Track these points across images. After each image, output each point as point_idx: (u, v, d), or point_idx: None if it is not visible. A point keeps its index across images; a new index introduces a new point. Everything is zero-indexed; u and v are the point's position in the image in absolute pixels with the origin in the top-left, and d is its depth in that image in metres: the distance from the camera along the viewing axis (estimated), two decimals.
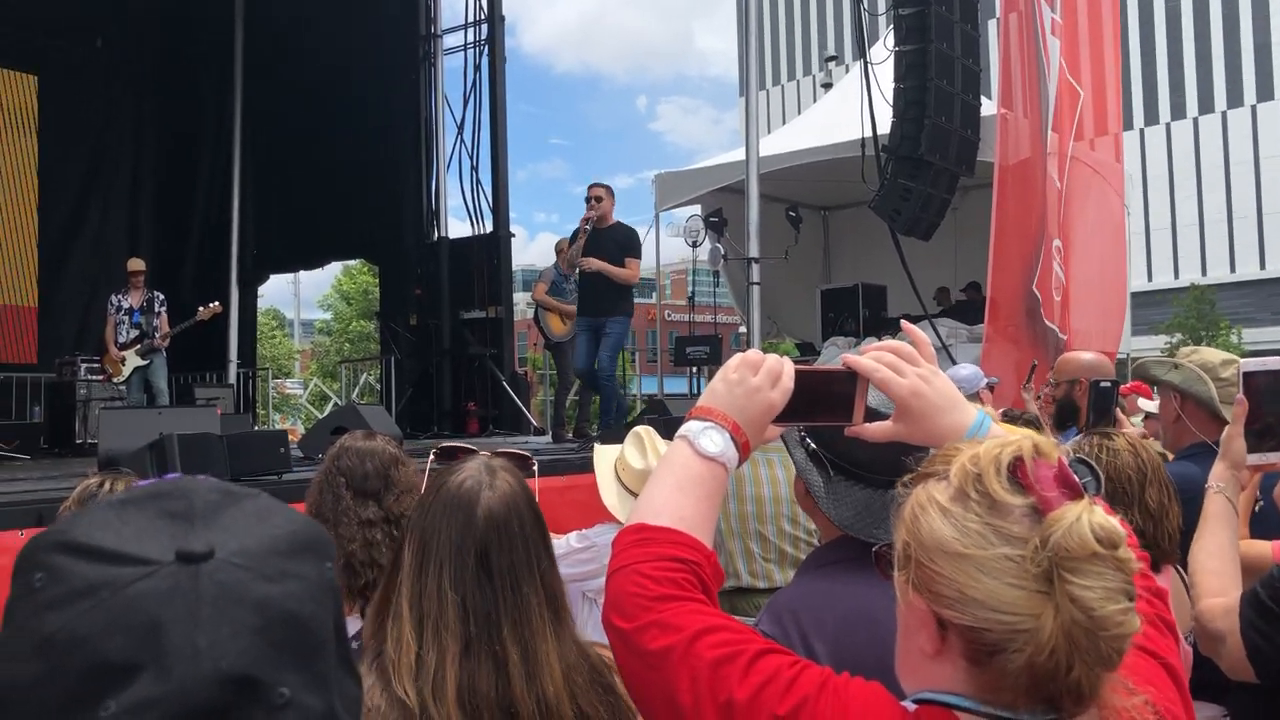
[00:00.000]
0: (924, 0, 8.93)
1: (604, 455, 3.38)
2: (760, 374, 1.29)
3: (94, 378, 10.21)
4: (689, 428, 1.28)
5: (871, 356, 1.34)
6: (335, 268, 34.17)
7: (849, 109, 10.55)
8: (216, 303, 9.75)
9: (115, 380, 9.62)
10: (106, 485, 2.35)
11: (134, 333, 9.51)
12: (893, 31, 9.75)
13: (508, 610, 1.57)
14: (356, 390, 17.06)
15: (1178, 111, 48.43)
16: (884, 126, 9.39)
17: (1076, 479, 1.00)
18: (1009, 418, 4.90)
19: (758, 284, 8.66)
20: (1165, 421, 3.14)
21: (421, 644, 1.53)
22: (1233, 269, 45.59)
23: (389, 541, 2.29)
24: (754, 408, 1.28)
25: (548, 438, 9.76)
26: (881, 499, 1.55)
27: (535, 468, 2.02)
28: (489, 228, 12.31)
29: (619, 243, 8.10)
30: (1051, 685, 0.96)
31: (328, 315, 41.29)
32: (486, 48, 12.63)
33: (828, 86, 22.53)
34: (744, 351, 1.34)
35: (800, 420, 1.38)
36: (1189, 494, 2.42)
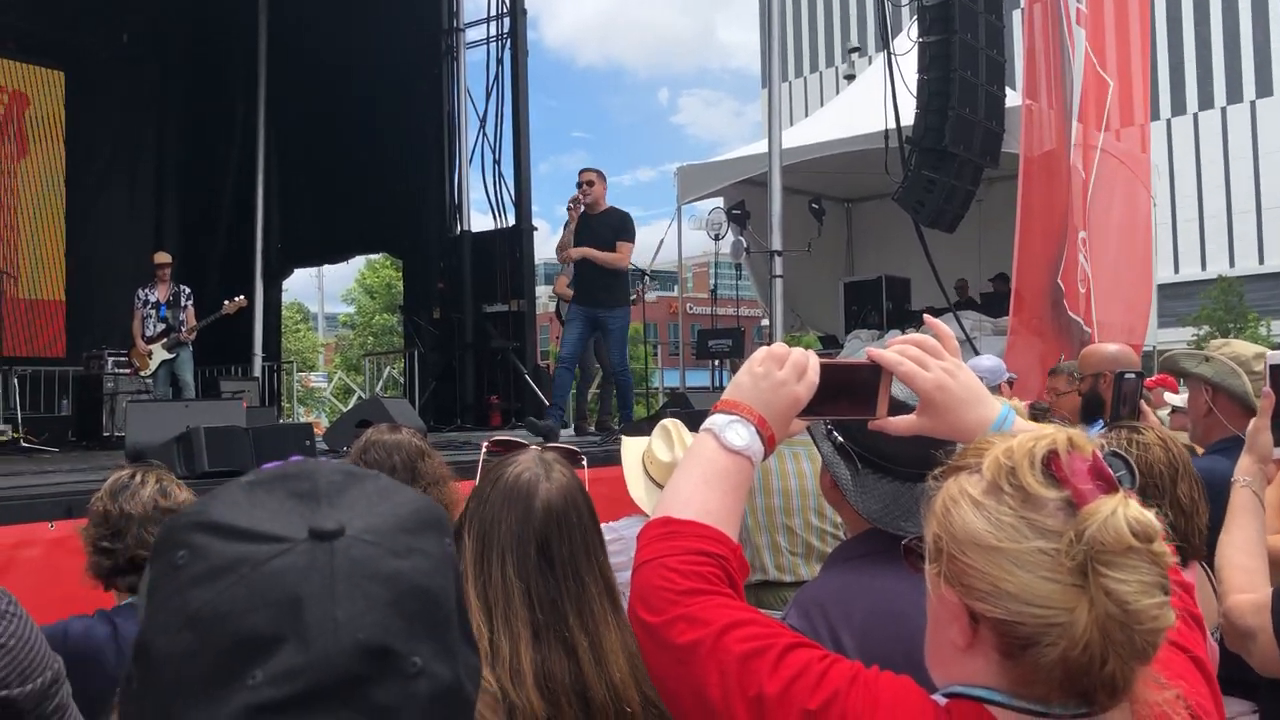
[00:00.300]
0: None
1: (631, 448, 3.38)
2: (786, 367, 1.29)
3: (121, 371, 10.30)
4: (714, 421, 1.28)
5: (896, 350, 1.33)
6: (358, 262, 34.35)
7: (872, 101, 10.50)
8: (241, 296, 9.81)
9: (142, 374, 9.70)
10: (138, 477, 2.37)
11: (160, 327, 9.58)
12: (916, 23, 9.69)
13: (571, 599, 1.60)
14: (380, 383, 17.14)
15: (1205, 101, 47.97)
16: (907, 118, 9.35)
17: (1111, 472, 1.00)
18: (1037, 410, 4.87)
19: (781, 277, 8.63)
20: (1195, 415, 3.11)
21: (493, 631, 1.56)
22: (1261, 260, 45.14)
23: None
24: (779, 401, 1.28)
25: (570, 430, 9.77)
26: (910, 492, 1.55)
27: (585, 462, 2.04)
28: (511, 221, 12.32)
29: (612, 227, 7.92)
30: (1086, 679, 0.96)
31: (351, 309, 41.46)
32: (508, 41, 12.64)
33: (850, 78, 22.44)
34: (768, 345, 1.34)
35: (824, 414, 1.38)
36: (1216, 488, 2.40)
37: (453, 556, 0.72)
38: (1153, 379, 5.45)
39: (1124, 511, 0.96)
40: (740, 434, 1.25)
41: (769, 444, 1.28)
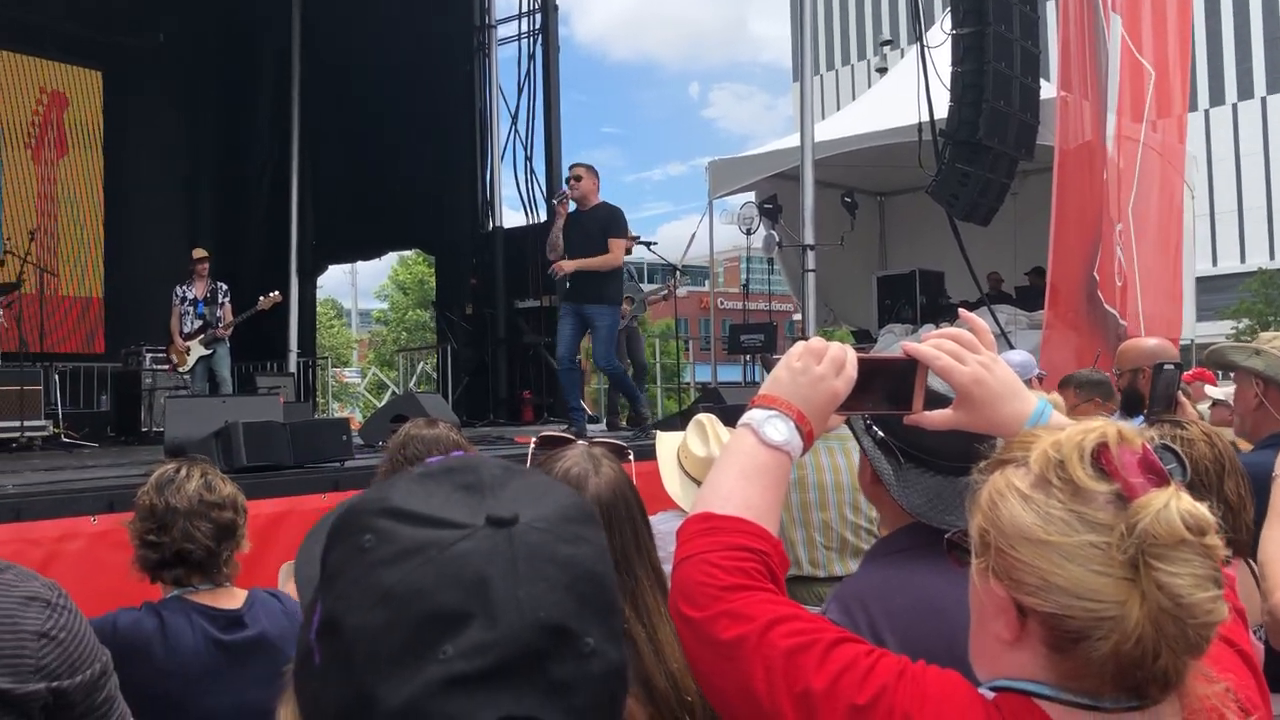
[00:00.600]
0: None
1: (666, 443, 3.38)
2: (824, 362, 1.29)
3: (159, 367, 10.42)
4: (752, 416, 1.28)
5: (932, 344, 1.33)
6: (392, 258, 34.55)
7: (905, 93, 10.44)
8: (276, 292, 9.89)
9: (180, 370, 9.79)
10: (183, 471, 2.39)
11: (198, 323, 9.68)
12: (949, 14, 9.63)
13: (625, 592, 1.60)
14: (414, 379, 17.25)
15: (1245, 91, 47.28)
16: (941, 111, 9.29)
17: (1162, 465, 0.99)
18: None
19: (813, 271, 8.60)
20: (1244, 409, 3.06)
21: None
22: None
23: None
24: (818, 396, 1.28)
25: (602, 425, 9.79)
26: (952, 485, 1.54)
27: (631, 456, 2.06)
28: (543, 217, 12.36)
29: (601, 224, 7.66)
30: (1138, 673, 0.95)
31: (384, 305, 41.71)
32: (540, 37, 12.67)
33: (883, 71, 22.30)
34: (805, 339, 1.34)
35: (861, 409, 1.37)
36: (1259, 484, 2.37)
37: (608, 548, 0.76)
38: (1190, 372, 5.39)
39: (1176, 504, 0.96)
40: (779, 429, 1.25)
41: (808, 439, 1.28)
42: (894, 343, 11.13)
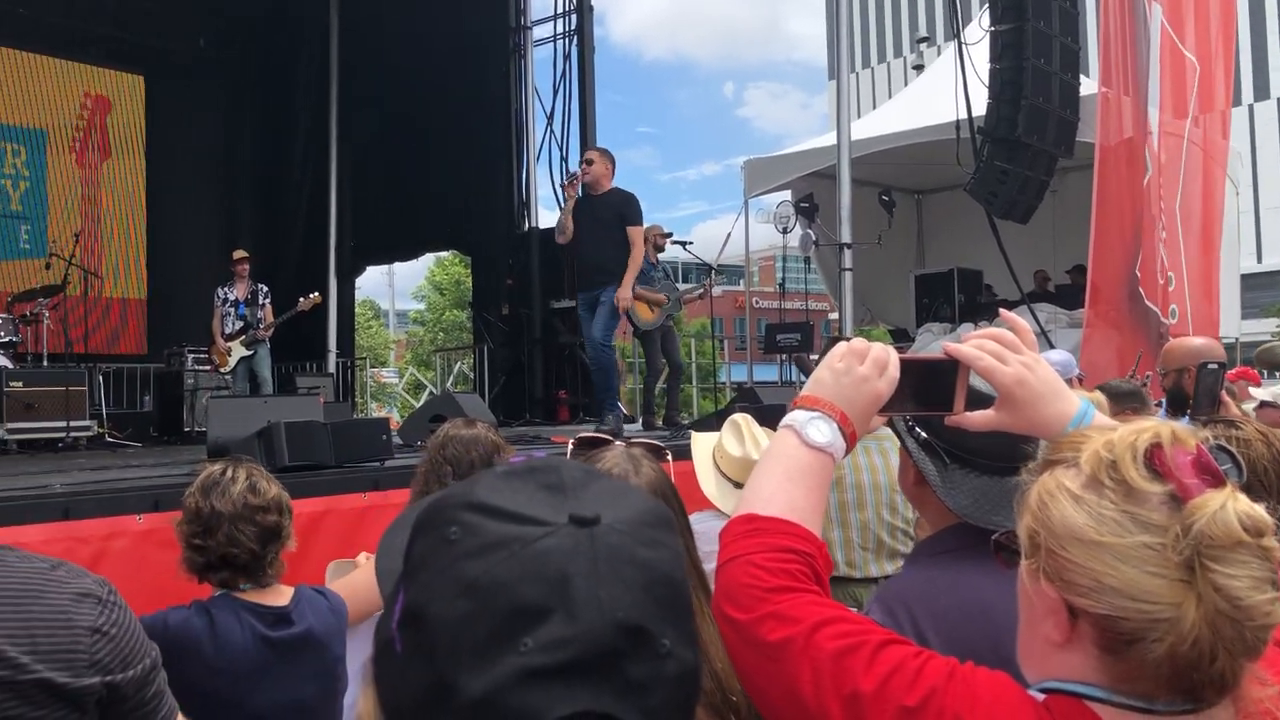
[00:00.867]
0: None
1: (701, 443, 3.37)
2: (867, 363, 1.29)
3: (201, 368, 10.55)
4: (795, 417, 1.28)
5: (974, 344, 1.32)
6: (429, 259, 34.74)
7: (942, 91, 10.37)
8: (316, 293, 9.98)
9: (221, 370, 9.90)
10: (228, 473, 2.42)
11: (239, 324, 9.78)
12: (987, 11, 9.55)
13: None
14: (451, 379, 17.33)
15: None
16: (979, 108, 9.21)
17: (1217, 466, 0.98)
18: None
19: (850, 270, 8.56)
20: None
21: None
22: None
23: None
24: (861, 397, 1.28)
25: (638, 425, 9.80)
26: (998, 485, 1.54)
27: (669, 456, 2.06)
28: None
29: (616, 210, 7.44)
30: (1194, 675, 0.94)
31: (421, 306, 41.96)
32: (575, 38, 12.70)
33: (919, 68, 22.16)
34: (835, 338, 1.34)
35: (902, 410, 1.37)
36: None
37: (684, 553, 0.78)
38: (1234, 371, 5.30)
39: (1233, 506, 0.94)
40: (822, 430, 1.25)
41: (850, 440, 1.28)
42: (932, 341, 11.07)
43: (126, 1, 13.40)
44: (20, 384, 8.23)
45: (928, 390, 1.34)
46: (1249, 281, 20.69)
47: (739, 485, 3.16)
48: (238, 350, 9.73)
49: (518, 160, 13.21)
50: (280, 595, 2.45)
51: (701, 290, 10.47)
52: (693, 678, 0.73)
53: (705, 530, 3.26)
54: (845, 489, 3.52)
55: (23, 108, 13.01)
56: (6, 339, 9.25)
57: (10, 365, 8.83)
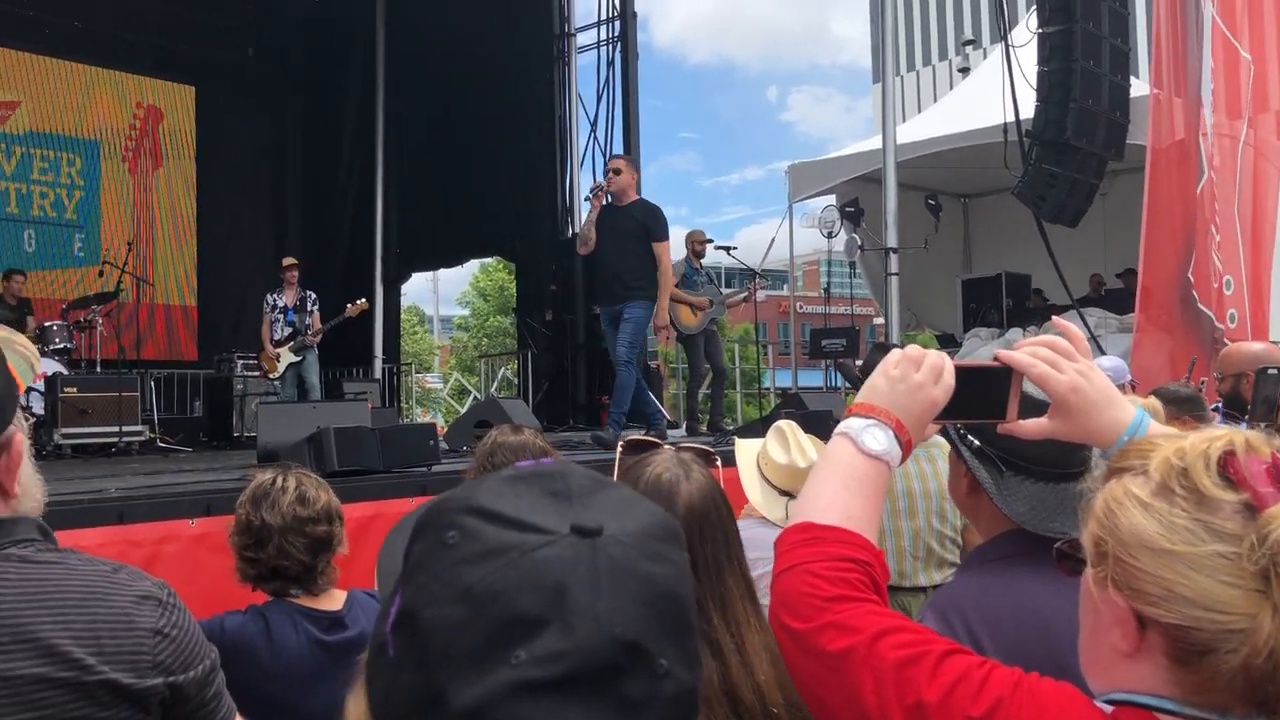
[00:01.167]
0: None
1: (745, 450, 3.35)
2: (923, 369, 1.28)
3: (251, 374, 10.68)
4: (850, 425, 1.27)
5: (1028, 352, 1.31)
6: (473, 265, 34.96)
7: (989, 94, 10.28)
8: (364, 299, 10.07)
9: (270, 376, 10.03)
10: (278, 482, 2.44)
11: (288, 330, 9.89)
12: (1035, 13, 9.45)
13: (715, 599, 1.58)
14: (495, 384, 17.43)
15: None
16: (1026, 111, 9.12)
17: None
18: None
19: (896, 275, 8.51)
20: None
21: None
22: None
23: None
24: (917, 405, 1.27)
25: (681, 431, 9.79)
26: (1054, 492, 1.53)
27: (719, 462, 2.05)
28: None
29: (640, 222, 7.27)
30: (1270, 688, 0.92)
31: (466, 311, 42.23)
32: (619, 45, 12.74)
33: (965, 71, 21.97)
34: (885, 343, 1.33)
35: (956, 417, 1.36)
36: None
37: (690, 570, 0.75)
38: None
39: None
40: (878, 438, 1.24)
41: (906, 448, 1.26)
42: (980, 347, 10.96)
43: (177, 14, 13.65)
44: (75, 390, 8.38)
45: (981, 398, 1.33)
46: None
47: (784, 492, 3.14)
48: (286, 356, 9.84)
49: (561, 167, 13.27)
50: (334, 600, 2.47)
51: (745, 294, 10.45)
52: (690, 699, 0.70)
53: (751, 537, 3.24)
54: (896, 497, 3.49)
55: (78, 119, 13.28)
56: (61, 345, 9.42)
57: (65, 371, 8.99)
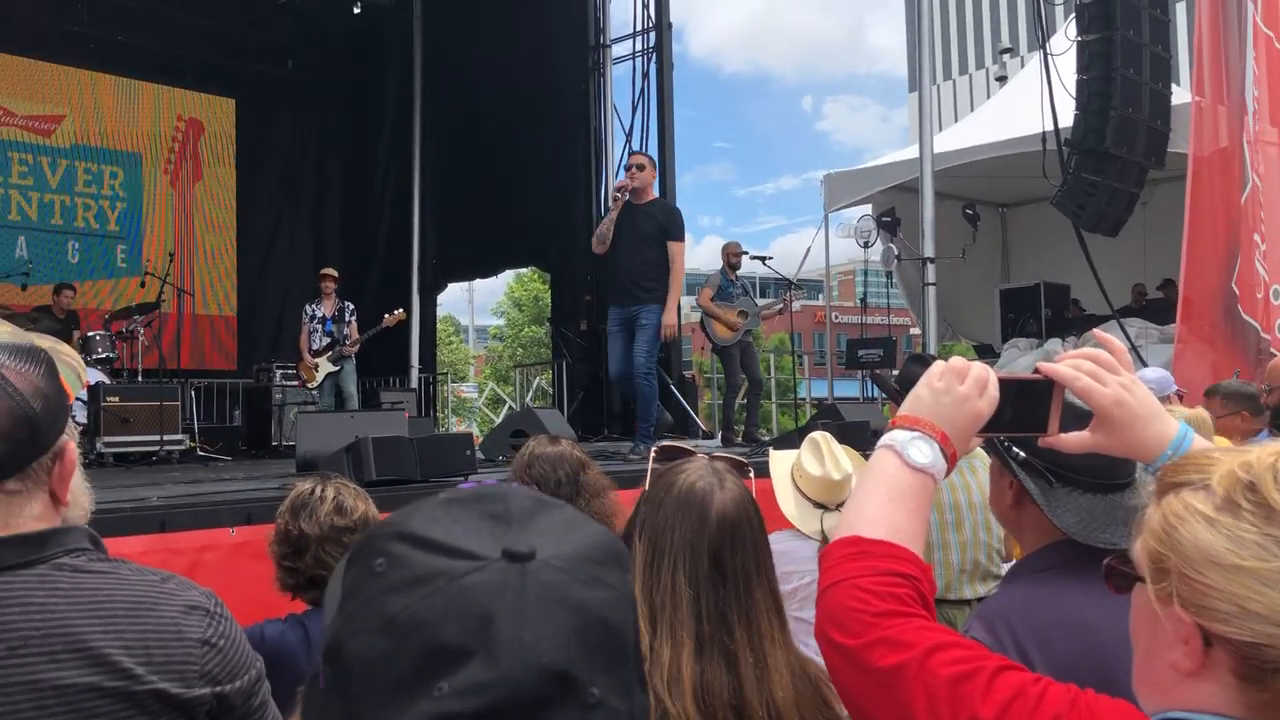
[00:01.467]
0: None
1: (779, 461, 3.32)
2: (968, 382, 1.27)
3: (289, 384, 10.78)
4: (895, 437, 1.26)
5: (1070, 364, 1.30)
6: (508, 275, 35.11)
7: (1027, 102, 10.21)
8: (401, 310, 10.14)
9: (309, 386, 10.11)
10: (316, 492, 2.46)
11: (326, 340, 9.98)
12: (1074, 21, 9.38)
13: (740, 612, 1.57)
14: (530, 394, 17.48)
15: None
16: (1065, 119, 9.04)
17: None
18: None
19: (933, 284, 8.45)
20: None
21: (655, 637, 1.54)
22: None
23: None
24: (962, 417, 1.26)
25: (716, 441, 9.76)
26: (1102, 503, 1.53)
27: (752, 473, 2.03)
28: None
29: (659, 222, 7.14)
30: None
31: (501, 321, 42.42)
32: (654, 56, 12.75)
33: (1002, 80, 21.82)
34: (921, 354, 1.32)
35: (997, 430, 1.35)
36: None
37: (632, 594, 0.72)
38: None
39: None
40: (923, 451, 1.23)
41: (951, 461, 1.25)
42: (1019, 357, 10.87)
43: (218, 28, 13.84)
44: (116, 399, 8.49)
45: (1022, 410, 1.32)
46: None
47: (819, 505, 3.11)
48: (325, 366, 9.92)
49: (596, 177, 13.29)
50: None
51: (781, 306, 10.42)
52: None
53: (786, 550, 3.23)
54: (944, 509, 3.46)
55: (121, 132, 13.49)
56: (104, 355, 9.56)
57: (107, 380, 9.11)
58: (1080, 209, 8.96)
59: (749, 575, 1.60)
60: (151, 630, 1.32)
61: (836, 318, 21.87)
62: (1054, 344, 10.82)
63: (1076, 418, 1.32)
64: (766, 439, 9.27)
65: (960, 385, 1.26)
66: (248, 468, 8.08)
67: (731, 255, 9.54)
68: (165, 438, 8.45)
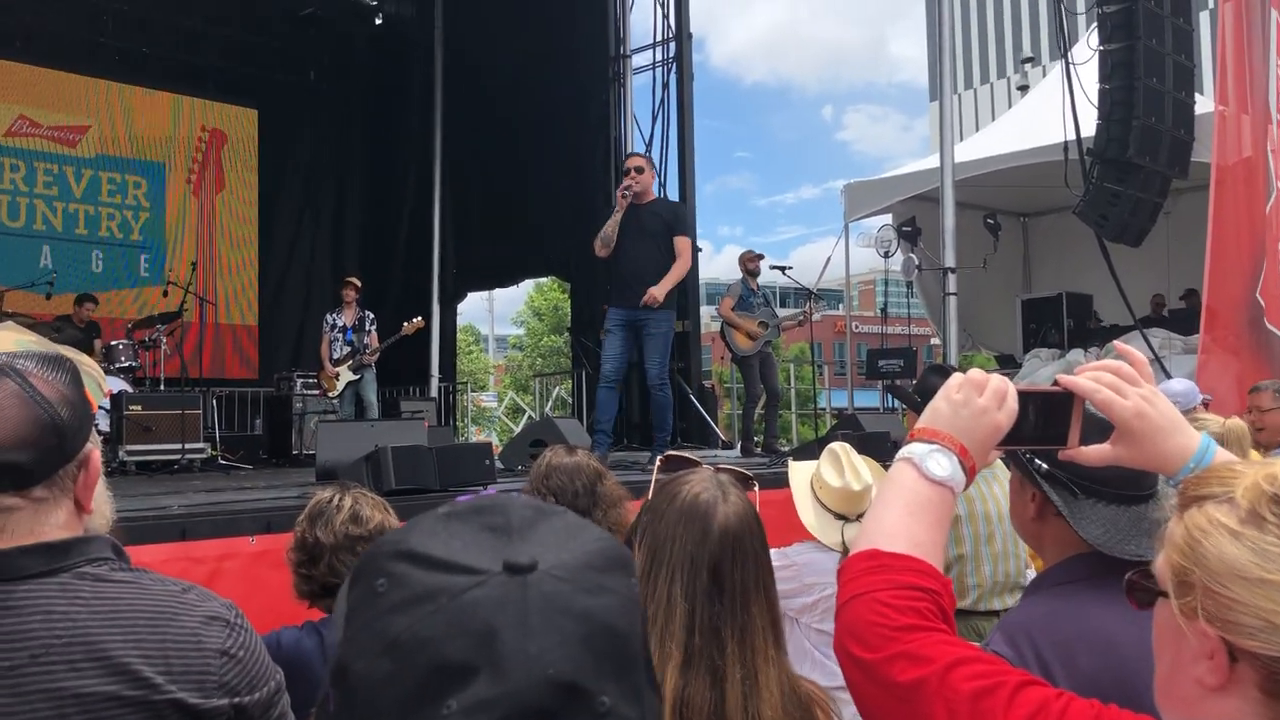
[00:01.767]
0: None
1: (799, 472, 3.31)
2: (986, 394, 1.26)
3: (310, 393, 10.82)
4: (913, 450, 1.25)
5: (1090, 376, 1.29)
6: (528, 284, 35.22)
7: (1048, 112, 10.15)
8: (419, 318, 10.17)
9: (330, 395, 10.15)
10: (334, 501, 2.48)
11: (346, 349, 10.02)
12: (1096, 30, 9.33)
13: (735, 627, 1.55)
14: (550, 403, 17.50)
15: None
16: (1088, 129, 9.00)
17: None
18: None
19: (954, 294, 8.42)
20: None
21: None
22: None
23: None
24: (980, 429, 1.25)
25: (735, 451, 9.74)
26: (1127, 515, 1.52)
27: (756, 486, 2.01)
28: None
29: (665, 220, 7.08)
30: None
31: (521, 331, 42.51)
32: (674, 66, 12.77)
33: (1024, 89, 21.75)
34: (940, 365, 1.32)
35: (1017, 443, 1.34)
36: None
37: (638, 598, 0.72)
38: None
39: None
40: (942, 463, 1.22)
41: (970, 474, 1.24)
42: (1040, 368, 10.80)
43: (241, 38, 13.98)
44: (139, 407, 8.54)
45: (1042, 423, 1.32)
46: None
47: (839, 516, 3.10)
48: (345, 375, 9.96)
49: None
50: None
51: (802, 316, 10.41)
52: None
53: (807, 562, 3.22)
54: (978, 521, 3.44)
55: (144, 142, 13.61)
56: (127, 364, 9.63)
57: (130, 389, 9.17)
58: (1103, 219, 8.90)
59: (747, 590, 1.58)
60: (171, 640, 1.32)
61: (857, 328, 21.81)
62: (1076, 354, 10.75)
63: (1100, 430, 1.31)
64: (786, 449, 9.23)
65: (979, 397, 1.26)
66: (268, 476, 8.11)
67: (748, 261, 9.52)
68: (187, 446, 8.50)
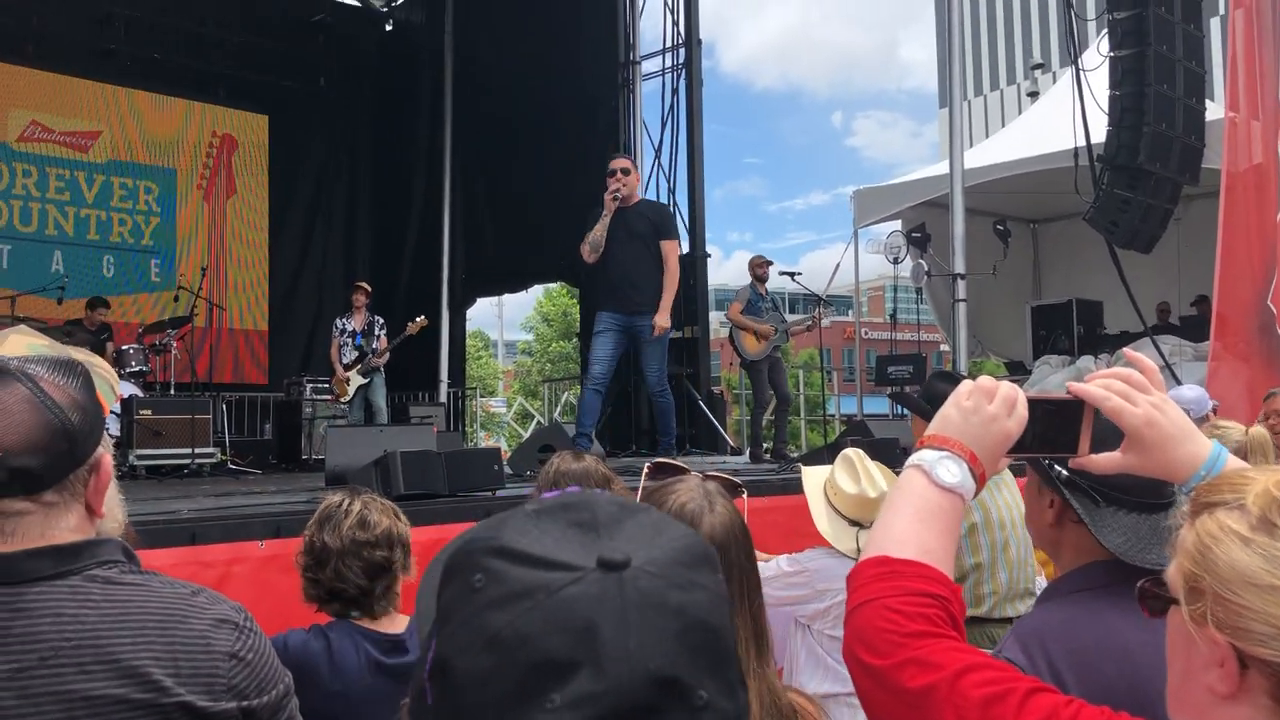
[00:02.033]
0: (1141, 2, 8.50)
1: (812, 478, 3.31)
2: (996, 401, 1.26)
3: (320, 397, 10.84)
4: (923, 457, 1.25)
5: (1100, 384, 1.29)
6: (537, 290, 35.26)
7: (1058, 118, 10.15)
8: (422, 316, 10.18)
9: (341, 400, 10.17)
10: (343, 506, 2.48)
11: (355, 354, 10.04)
12: (1106, 36, 9.32)
13: None
14: (559, 408, 17.52)
15: None
16: (1098, 135, 8.99)
17: None
18: None
19: (964, 301, 8.40)
20: None
21: None
22: None
23: None
24: (990, 437, 1.25)
25: (744, 457, 9.72)
26: (1148, 523, 1.51)
27: (744, 493, 2.00)
28: (685, 249, 12.38)
29: (652, 221, 7.07)
30: None
31: (529, 336, 42.56)
32: (683, 72, 12.78)
33: (1034, 95, 21.72)
34: (948, 371, 1.32)
35: (1026, 450, 1.34)
36: None
37: (726, 593, 0.73)
38: None
39: None
40: (952, 470, 1.22)
41: (980, 481, 1.25)
42: (1050, 374, 10.77)
43: (252, 44, 14.04)
44: (149, 412, 8.57)
45: (1052, 430, 1.32)
46: None
47: (853, 522, 3.10)
48: (355, 379, 9.99)
49: None
50: (396, 623, 2.50)
51: (811, 322, 10.40)
52: None
53: (819, 568, 3.22)
54: (994, 528, 3.42)
55: (156, 147, 13.67)
56: (138, 368, 9.66)
57: (140, 394, 9.20)
58: (1114, 225, 8.89)
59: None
60: (180, 643, 1.33)
61: (866, 334, 21.78)
62: (1086, 361, 10.73)
63: (1114, 436, 1.31)
64: (795, 455, 9.23)
65: (989, 404, 1.25)
66: (278, 481, 8.12)
67: (757, 267, 9.52)
68: (197, 451, 8.52)
